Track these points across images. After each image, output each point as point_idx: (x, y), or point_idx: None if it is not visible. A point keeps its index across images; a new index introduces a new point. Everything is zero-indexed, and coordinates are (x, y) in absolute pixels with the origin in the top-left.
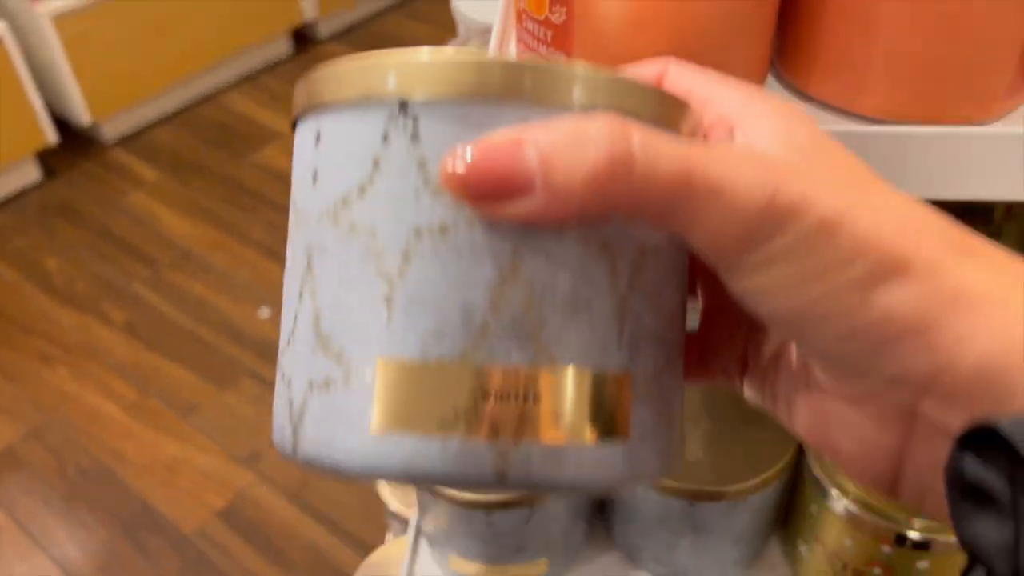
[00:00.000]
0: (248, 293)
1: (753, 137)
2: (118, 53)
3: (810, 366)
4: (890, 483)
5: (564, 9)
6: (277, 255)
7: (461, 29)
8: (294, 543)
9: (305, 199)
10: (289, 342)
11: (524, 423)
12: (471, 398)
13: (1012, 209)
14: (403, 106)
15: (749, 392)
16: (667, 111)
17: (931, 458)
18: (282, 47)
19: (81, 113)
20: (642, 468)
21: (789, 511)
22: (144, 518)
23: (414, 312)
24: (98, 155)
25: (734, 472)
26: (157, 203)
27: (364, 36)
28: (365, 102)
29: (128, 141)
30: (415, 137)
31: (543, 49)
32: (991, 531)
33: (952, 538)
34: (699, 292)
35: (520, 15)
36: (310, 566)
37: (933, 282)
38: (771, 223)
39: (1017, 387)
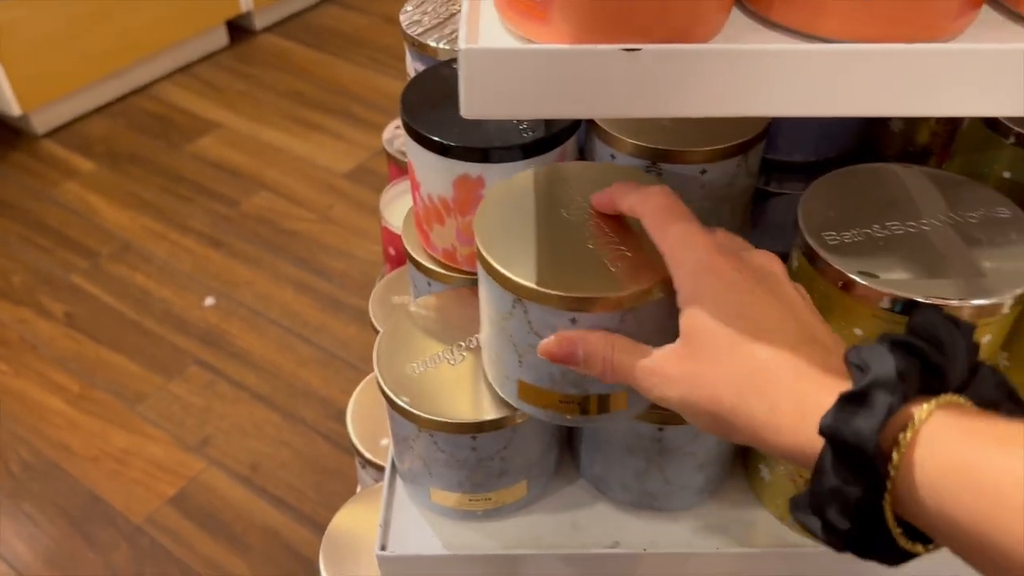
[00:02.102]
0: (191, 282)
1: None
2: (49, 43)
3: None
4: None
5: None
6: (219, 244)
7: None
8: (249, 527)
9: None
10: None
11: None
12: None
13: (948, 151)
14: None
15: None
16: None
17: None
18: (218, 38)
19: (10, 103)
20: None
21: None
22: (93, 510)
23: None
24: (29, 147)
25: None
26: (93, 194)
27: (300, 27)
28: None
29: (60, 132)
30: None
31: (520, 13)
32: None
33: None
34: None
35: None
36: (266, 548)
37: None
38: None
39: None
